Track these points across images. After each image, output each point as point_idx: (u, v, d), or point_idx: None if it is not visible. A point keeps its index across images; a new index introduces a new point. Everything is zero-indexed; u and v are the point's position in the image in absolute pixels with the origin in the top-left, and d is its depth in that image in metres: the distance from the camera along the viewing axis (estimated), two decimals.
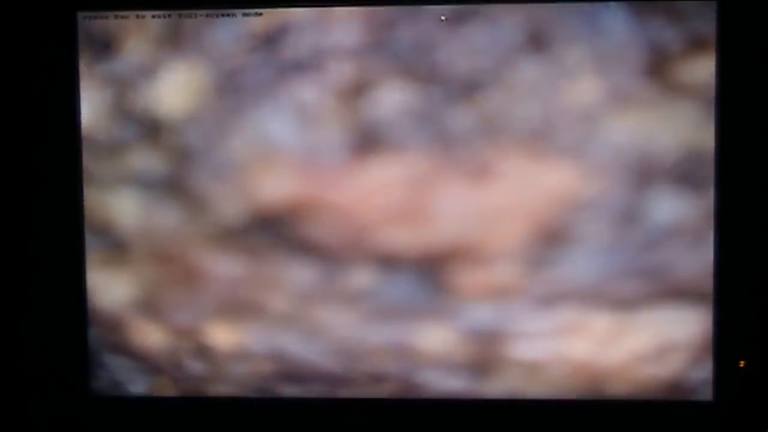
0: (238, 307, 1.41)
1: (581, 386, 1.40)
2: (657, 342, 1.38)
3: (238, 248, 1.41)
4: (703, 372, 1.38)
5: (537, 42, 1.35)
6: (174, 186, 1.40)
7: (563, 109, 1.34)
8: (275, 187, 1.39)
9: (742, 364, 1.36)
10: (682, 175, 1.34)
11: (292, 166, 1.38)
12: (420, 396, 1.42)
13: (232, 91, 1.39)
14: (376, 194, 1.38)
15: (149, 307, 1.42)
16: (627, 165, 1.35)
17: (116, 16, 1.39)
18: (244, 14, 1.37)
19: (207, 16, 1.37)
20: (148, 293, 1.42)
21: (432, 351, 1.41)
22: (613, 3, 1.33)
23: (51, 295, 1.45)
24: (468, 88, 1.36)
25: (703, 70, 1.33)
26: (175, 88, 1.40)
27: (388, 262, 1.38)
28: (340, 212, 1.38)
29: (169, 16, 1.38)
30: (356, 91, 1.37)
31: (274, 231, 1.40)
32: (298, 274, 1.40)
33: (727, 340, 1.37)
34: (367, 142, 1.37)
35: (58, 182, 1.42)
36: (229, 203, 1.40)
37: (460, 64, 1.36)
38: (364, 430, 1.46)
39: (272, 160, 1.38)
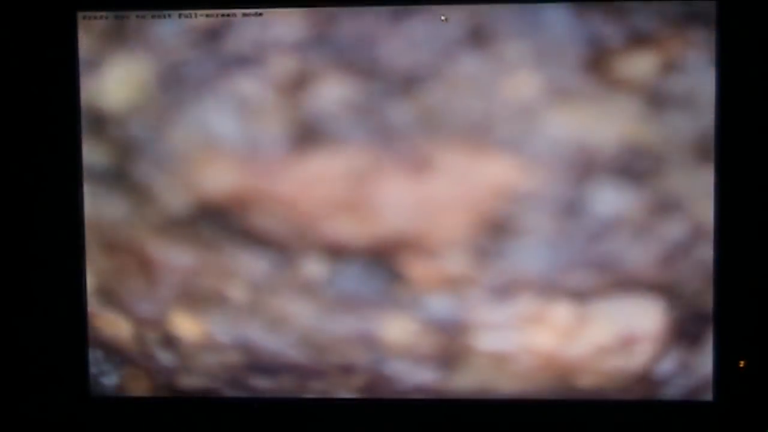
0: (198, 298, 1.41)
1: (549, 377, 1.41)
2: (619, 333, 1.39)
3: (190, 239, 1.41)
4: (669, 364, 1.38)
5: (478, 37, 1.35)
6: (120, 178, 1.42)
7: (505, 104, 1.35)
8: (220, 178, 1.40)
9: (742, 364, 1.35)
10: (622, 168, 1.35)
11: (237, 158, 1.39)
12: (418, 397, 1.43)
13: (175, 85, 1.39)
14: (320, 186, 1.38)
15: (109, 297, 1.43)
16: (568, 158, 1.36)
17: (116, 16, 1.38)
18: (244, 14, 1.35)
19: (207, 16, 1.36)
20: (105, 284, 1.43)
21: (397, 342, 1.41)
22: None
23: (50, 295, 1.45)
24: (409, 83, 1.36)
25: (642, 65, 1.34)
26: (118, 83, 1.39)
27: (338, 253, 1.38)
28: (286, 204, 1.39)
29: (169, 16, 1.37)
30: (298, 84, 1.37)
31: (222, 222, 1.41)
32: (252, 264, 1.41)
33: (727, 340, 1.37)
34: (310, 134, 1.38)
35: (58, 182, 1.42)
36: (177, 195, 1.41)
37: (402, 58, 1.36)
38: (358, 429, 1.44)
39: (217, 152, 1.39)
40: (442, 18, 1.32)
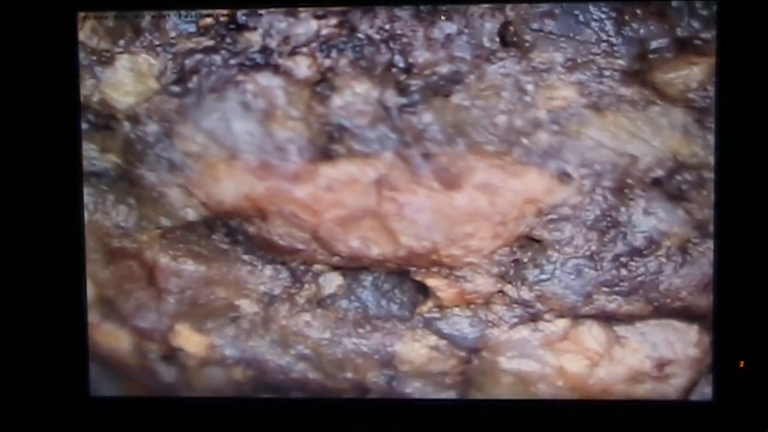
0: (206, 311, 1.36)
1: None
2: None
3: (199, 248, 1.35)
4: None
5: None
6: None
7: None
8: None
9: (742, 364, 1.32)
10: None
11: (253, 164, 1.32)
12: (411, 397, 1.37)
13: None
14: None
15: (109, 308, 1.37)
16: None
17: (116, 16, 1.31)
18: (244, 14, 1.30)
19: (208, 16, 1.30)
20: (105, 294, 1.37)
21: (415, 361, 1.35)
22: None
23: (50, 296, 1.37)
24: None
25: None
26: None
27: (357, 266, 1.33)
28: (303, 213, 1.32)
29: (169, 16, 1.31)
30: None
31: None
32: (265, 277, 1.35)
33: (727, 340, 1.31)
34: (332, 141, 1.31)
35: (58, 182, 1.35)
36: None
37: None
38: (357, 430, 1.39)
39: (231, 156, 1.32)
40: (442, 18, 1.26)
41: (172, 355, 1.36)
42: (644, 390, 1.31)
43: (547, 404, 1.33)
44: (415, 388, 1.34)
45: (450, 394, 1.34)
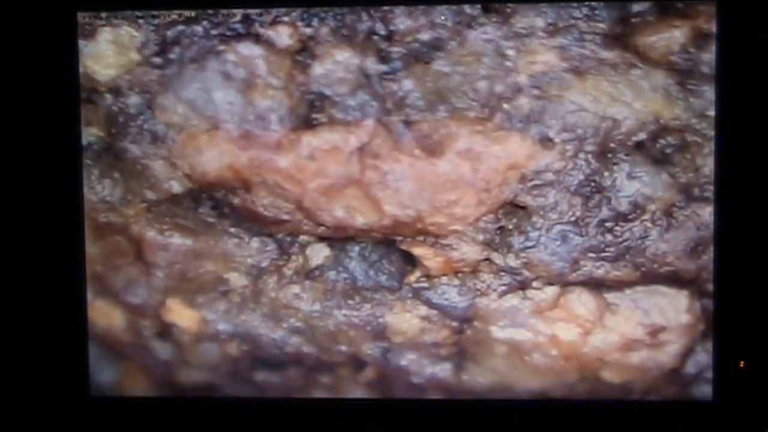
0: (195, 285, 1.37)
1: (569, 372, 1.35)
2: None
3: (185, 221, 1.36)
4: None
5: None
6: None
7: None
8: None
9: (741, 364, 1.31)
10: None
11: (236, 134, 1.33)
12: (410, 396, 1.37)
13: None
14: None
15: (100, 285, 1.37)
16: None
17: (116, 16, 1.33)
18: (245, 14, 1.31)
19: (208, 16, 1.31)
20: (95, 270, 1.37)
21: (407, 332, 1.35)
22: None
23: (50, 295, 1.38)
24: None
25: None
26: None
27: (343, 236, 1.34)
28: (287, 183, 1.33)
29: (169, 16, 1.31)
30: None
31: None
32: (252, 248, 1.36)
33: (727, 340, 1.31)
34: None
35: (58, 181, 1.36)
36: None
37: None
38: (355, 429, 1.40)
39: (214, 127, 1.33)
40: (443, 18, 1.27)
41: (166, 331, 1.36)
42: (640, 358, 1.30)
43: (546, 404, 1.34)
44: (410, 360, 1.33)
45: (446, 366, 1.33)
